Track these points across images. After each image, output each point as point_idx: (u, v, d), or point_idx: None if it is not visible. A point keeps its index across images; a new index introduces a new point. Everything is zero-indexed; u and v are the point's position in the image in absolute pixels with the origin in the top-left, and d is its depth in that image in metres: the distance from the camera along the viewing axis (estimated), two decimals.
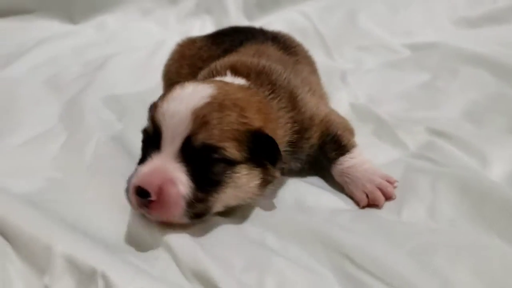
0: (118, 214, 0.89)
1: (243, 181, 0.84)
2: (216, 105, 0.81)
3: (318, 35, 1.81)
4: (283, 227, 0.86)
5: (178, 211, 0.79)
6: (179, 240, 0.80)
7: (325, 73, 1.42)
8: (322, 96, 1.17)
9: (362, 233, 0.84)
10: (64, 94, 1.45)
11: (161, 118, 0.82)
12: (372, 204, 0.92)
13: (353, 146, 1.00)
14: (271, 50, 1.16)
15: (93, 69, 1.63)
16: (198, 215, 0.81)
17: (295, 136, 0.96)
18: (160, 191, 0.77)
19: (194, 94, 0.82)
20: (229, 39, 1.25)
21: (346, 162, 0.97)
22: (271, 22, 1.81)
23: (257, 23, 1.81)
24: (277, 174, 0.89)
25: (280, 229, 0.86)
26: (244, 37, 1.23)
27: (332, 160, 0.98)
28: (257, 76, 0.96)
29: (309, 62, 1.29)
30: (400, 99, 1.38)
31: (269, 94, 0.94)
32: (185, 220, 0.80)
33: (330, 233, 0.82)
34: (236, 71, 0.98)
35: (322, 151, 1.00)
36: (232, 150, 0.81)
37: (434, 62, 1.57)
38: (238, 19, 1.97)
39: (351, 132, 1.07)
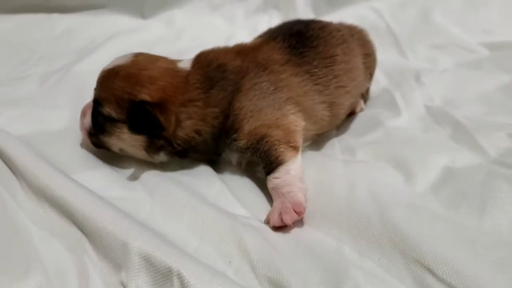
0: (189, 215, 0.90)
1: (125, 137, 1.03)
2: (113, 72, 1.03)
3: (390, 32, 1.75)
4: (359, 233, 0.85)
5: (84, 135, 1.10)
6: (256, 246, 0.80)
7: (398, 72, 1.38)
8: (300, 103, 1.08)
9: (442, 240, 0.80)
10: None
11: None
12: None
13: (280, 163, 0.96)
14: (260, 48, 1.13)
15: None
16: (97, 144, 1.09)
17: (217, 130, 1.03)
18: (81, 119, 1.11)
19: (113, 61, 1.07)
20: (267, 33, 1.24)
21: (270, 182, 0.96)
22: (341, 18, 1.73)
23: (325, 19, 1.77)
24: (162, 143, 1.03)
25: (356, 235, 0.85)
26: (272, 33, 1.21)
27: (265, 172, 0.98)
28: (201, 68, 1.05)
29: (321, 62, 1.14)
30: (478, 102, 1.30)
31: (197, 83, 1.03)
32: (90, 143, 1.10)
33: (409, 239, 0.80)
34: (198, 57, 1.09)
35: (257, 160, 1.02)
36: (108, 109, 1.01)
37: None
38: (306, 15, 1.94)
39: (288, 144, 0.98)
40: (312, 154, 1.11)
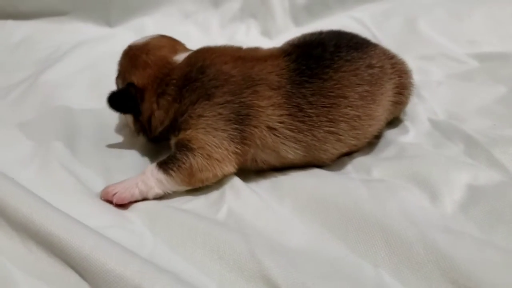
0: (201, 250, 0.80)
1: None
2: (127, 50, 1.13)
3: (376, 42, 1.68)
4: (399, 260, 0.77)
5: None
6: (288, 279, 0.71)
7: None
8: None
9: (496, 267, 0.73)
10: None
11: None
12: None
13: (166, 173, 0.96)
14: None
15: None
16: None
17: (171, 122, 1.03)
18: None
19: (139, 39, 1.14)
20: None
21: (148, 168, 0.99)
22: (321, 27, 1.66)
23: (305, 29, 1.69)
24: (139, 127, 1.10)
25: (396, 262, 0.77)
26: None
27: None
28: (187, 65, 1.04)
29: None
30: (481, 114, 1.25)
31: (175, 79, 1.03)
32: None
33: (461, 267, 0.73)
34: (194, 53, 1.09)
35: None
36: (118, 82, 1.13)
37: (507, 74, 1.44)
38: (285, 24, 1.85)
39: (191, 173, 0.96)
40: (324, 173, 1.02)
